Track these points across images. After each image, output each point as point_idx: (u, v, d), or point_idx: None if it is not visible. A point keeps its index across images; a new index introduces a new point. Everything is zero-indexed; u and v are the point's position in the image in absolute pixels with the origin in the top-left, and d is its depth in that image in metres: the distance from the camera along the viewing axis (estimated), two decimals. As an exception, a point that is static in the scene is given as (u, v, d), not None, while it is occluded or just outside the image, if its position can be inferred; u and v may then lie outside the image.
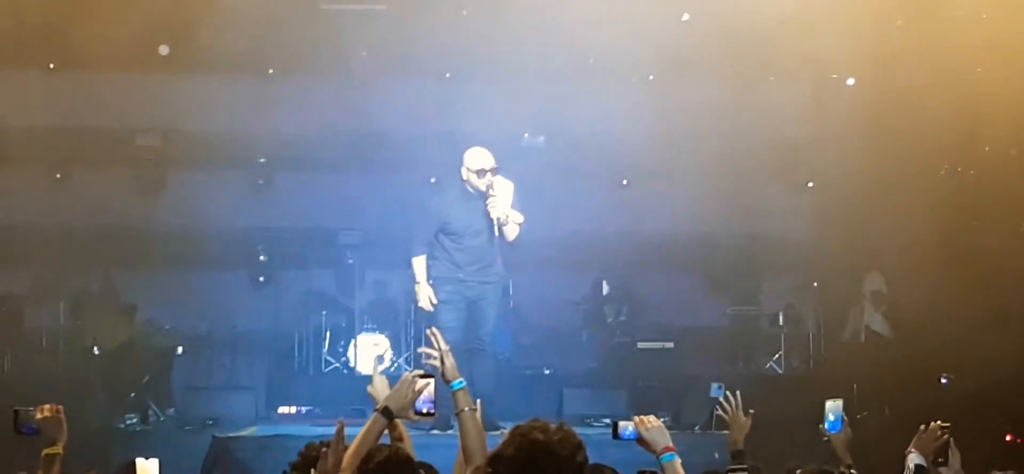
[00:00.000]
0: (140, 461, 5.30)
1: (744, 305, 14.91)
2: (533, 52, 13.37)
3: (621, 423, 5.10)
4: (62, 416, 5.44)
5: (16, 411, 5.46)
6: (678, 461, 4.91)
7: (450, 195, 11.23)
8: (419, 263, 10.91)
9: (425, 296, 10.96)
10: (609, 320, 14.74)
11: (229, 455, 10.52)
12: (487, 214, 10.85)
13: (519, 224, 11.07)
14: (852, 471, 5.69)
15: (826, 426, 6.15)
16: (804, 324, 14.66)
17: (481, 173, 10.93)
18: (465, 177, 11.06)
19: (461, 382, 5.43)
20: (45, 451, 5.40)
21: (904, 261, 13.45)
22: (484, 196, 10.89)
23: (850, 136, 13.78)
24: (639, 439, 5.00)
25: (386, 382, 5.55)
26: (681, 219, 14.33)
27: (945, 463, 5.90)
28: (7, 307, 13.93)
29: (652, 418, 5.02)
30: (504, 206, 10.88)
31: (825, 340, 14.50)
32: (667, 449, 4.93)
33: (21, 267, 14.29)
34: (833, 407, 6.15)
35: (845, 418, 6.15)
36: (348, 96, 14.46)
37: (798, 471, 5.67)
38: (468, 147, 11.20)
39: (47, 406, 5.44)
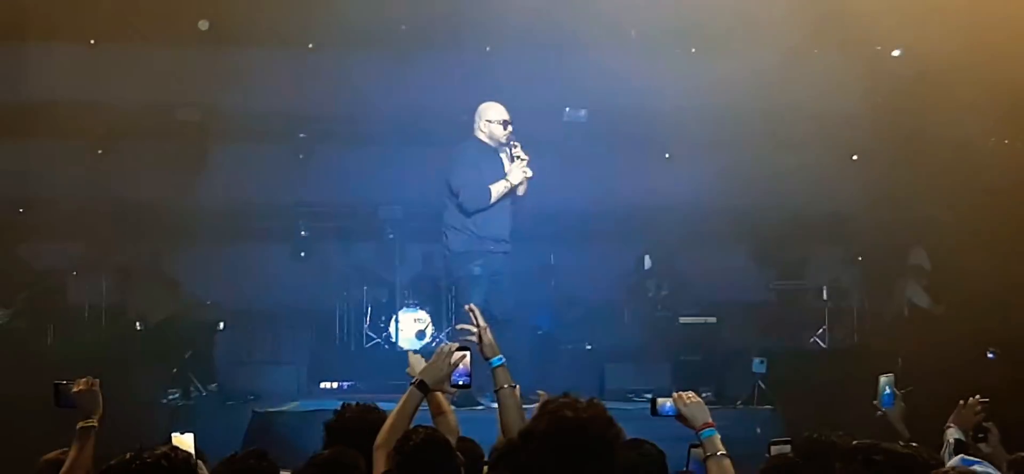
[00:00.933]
0: (176, 435, 5.29)
1: (788, 279, 14.79)
2: (574, 24, 13.27)
3: (660, 400, 5.08)
4: (98, 389, 5.46)
5: (56, 385, 5.49)
6: (718, 436, 4.88)
7: (468, 157, 10.94)
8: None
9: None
10: (650, 295, 14.65)
11: (270, 429, 10.53)
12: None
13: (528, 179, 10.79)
14: (913, 445, 5.60)
15: (880, 401, 6.08)
16: (848, 298, 14.52)
17: (506, 124, 10.74)
18: (485, 132, 10.83)
19: (500, 359, 5.39)
20: (80, 424, 5.41)
21: (950, 235, 13.33)
22: (500, 152, 10.65)
23: (896, 108, 13.64)
24: (678, 415, 4.96)
25: (422, 361, 5.53)
26: (724, 193, 14.20)
27: (984, 438, 5.81)
28: (50, 282, 13.97)
29: (691, 394, 4.99)
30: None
31: (870, 315, 14.35)
32: (706, 424, 4.90)
33: (64, 242, 14.33)
34: (886, 382, 6.09)
35: (897, 392, 6.09)
36: (388, 70, 14.44)
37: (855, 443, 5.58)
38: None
39: (83, 380, 5.46)
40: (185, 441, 5.26)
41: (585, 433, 4.10)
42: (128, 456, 4.52)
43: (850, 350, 13.70)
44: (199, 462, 5.13)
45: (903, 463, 4.13)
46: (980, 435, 5.81)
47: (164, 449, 4.63)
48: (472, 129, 11.17)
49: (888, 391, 6.10)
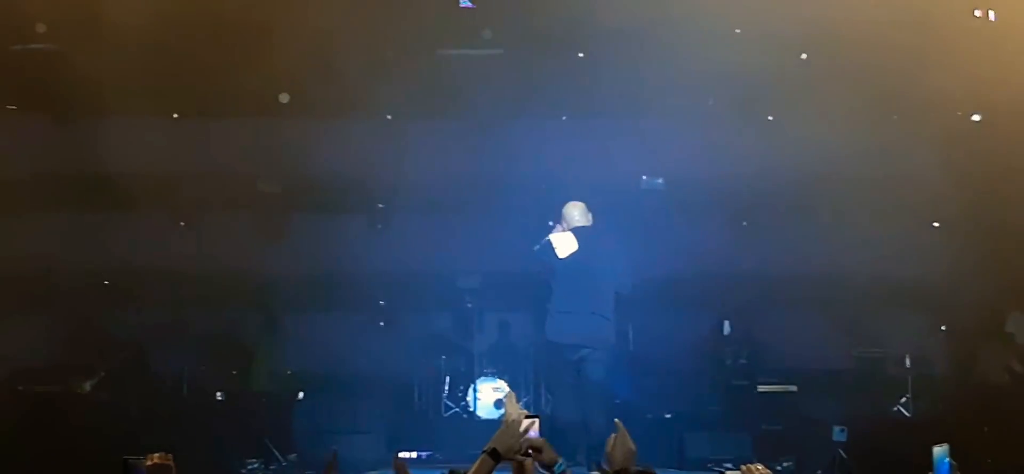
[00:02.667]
0: None
1: (869, 347, 14.61)
2: (650, 92, 13.30)
3: (728, 471, 5.05)
4: (171, 462, 5.49)
5: (125, 460, 5.51)
6: None
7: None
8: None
9: None
10: (728, 362, 14.53)
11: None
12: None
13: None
14: None
15: (935, 472, 5.98)
16: (932, 366, 14.31)
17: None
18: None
19: (562, 464, 5.42)
20: (156, 498, 5.45)
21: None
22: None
23: (976, 174, 13.50)
24: None
25: (517, 405, 5.54)
26: (802, 260, 14.11)
27: None
28: (132, 352, 14.13)
29: (760, 466, 4.95)
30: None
31: (954, 383, 14.13)
32: None
33: (146, 312, 14.51)
34: (940, 452, 5.99)
35: (954, 463, 5.98)
36: (465, 139, 14.53)
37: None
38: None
39: (157, 455, 5.49)
40: None
41: None
42: None
43: (935, 420, 13.47)
44: None
45: None
46: None
47: None
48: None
49: (944, 463, 6.00)
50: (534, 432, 5.39)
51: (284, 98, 13.88)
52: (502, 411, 13.13)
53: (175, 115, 14.27)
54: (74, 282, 14.32)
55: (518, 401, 5.53)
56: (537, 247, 11.54)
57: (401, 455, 13.69)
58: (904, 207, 14.23)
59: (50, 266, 14.08)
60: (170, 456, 5.55)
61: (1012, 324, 13.96)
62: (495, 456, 5.25)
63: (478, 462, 5.24)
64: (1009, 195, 13.07)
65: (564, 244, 11.34)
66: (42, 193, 13.86)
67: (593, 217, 11.77)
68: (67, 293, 14.21)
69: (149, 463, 5.52)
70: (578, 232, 11.57)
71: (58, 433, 11.46)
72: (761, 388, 13.65)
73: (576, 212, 11.65)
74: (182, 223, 14.89)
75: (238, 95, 13.21)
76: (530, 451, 5.41)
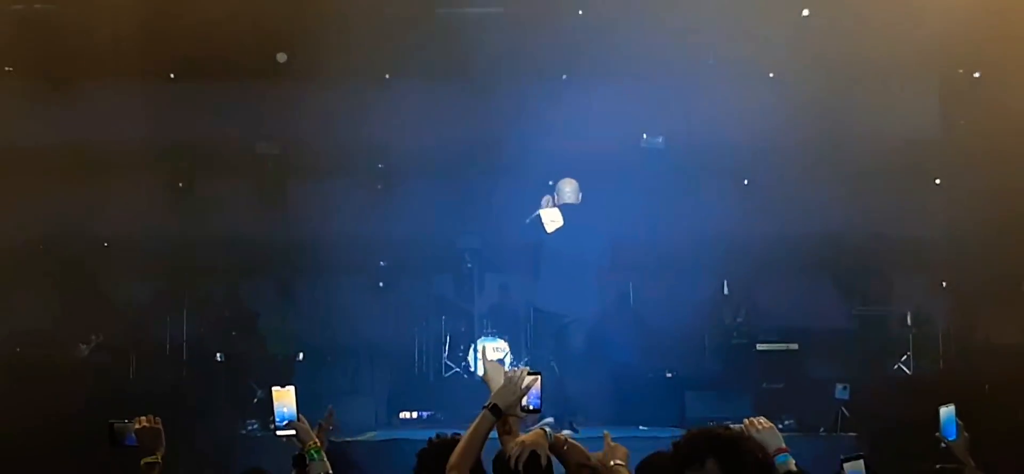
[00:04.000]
0: (276, 389, 5.31)
1: (870, 306, 14.57)
2: (650, 52, 13.23)
3: (733, 426, 5.01)
4: (160, 426, 5.47)
5: (111, 424, 5.49)
6: (792, 461, 4.83)
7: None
8: None
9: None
10: (727, 322, 14.50)
11: (346, 459, 10.52)
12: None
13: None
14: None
15: (943, 433, 5.96)
16: (933, 325, 14.28)
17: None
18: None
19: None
20: (144, 460, 5.43)
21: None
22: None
23: (978, 131, 13.44)
24: None
25: (501, 369, 5.51)
26: (804, 219, 14.06)
27: None
28: (132, 316, 14.11)
29: (763, 420, 4.95)
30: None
31: (955, 341, 14.11)
32: (780, 451, 4.84)
33: (146, 276, 14.48)
34: (946, 413, 5.97)
35: (960, 423, 5.97)
36: (464, 99, 14.47)
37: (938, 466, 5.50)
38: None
39: (144, 417, 5.47)
40: (287, 393, 5.29)
41: None
42: None
43: (935, 377, 13.46)
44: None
45: None
46: None
47: None
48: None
49: (951, 423, 5.99)
50: (536, 390, 5.36)
51: (281, 57, 13.83)
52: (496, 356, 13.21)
53: (172, 76, 14.19)
54: (73, 246, 14.29)
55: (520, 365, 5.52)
56: (528, 221, 11.61)
57: (402, 415, 13.78)
58: (905, 165, 14.17)
59: (48, 230, 14.02)
60: (159, 419, 5.52)
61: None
62: (496, 412, 5.23)
63: (479, 418, 5.22)
64: (1010, 152, 13.01)
65: (551, 220, 11.54)
66: (40, 156, 13.80)
67: (583, 195, 11.89)
68: (65, 256, 14.16)
69: (137, 426, 5.50)
70: (566, 209, 11.70)
71: (56, 397, 11.43)
72: (761, 347, 13.60)
73: (568, 189, 11.81)
74: (180, 185, 14.81)
75: (235, 55, 13.14)
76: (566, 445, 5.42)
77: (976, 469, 5.70)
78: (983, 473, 5.61)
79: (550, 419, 11.26)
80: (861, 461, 5.28)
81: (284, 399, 5.27)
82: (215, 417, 11.76)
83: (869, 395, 12.14)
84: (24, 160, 13.64)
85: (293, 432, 5.18)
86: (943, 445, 5.97)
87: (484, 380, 5.55)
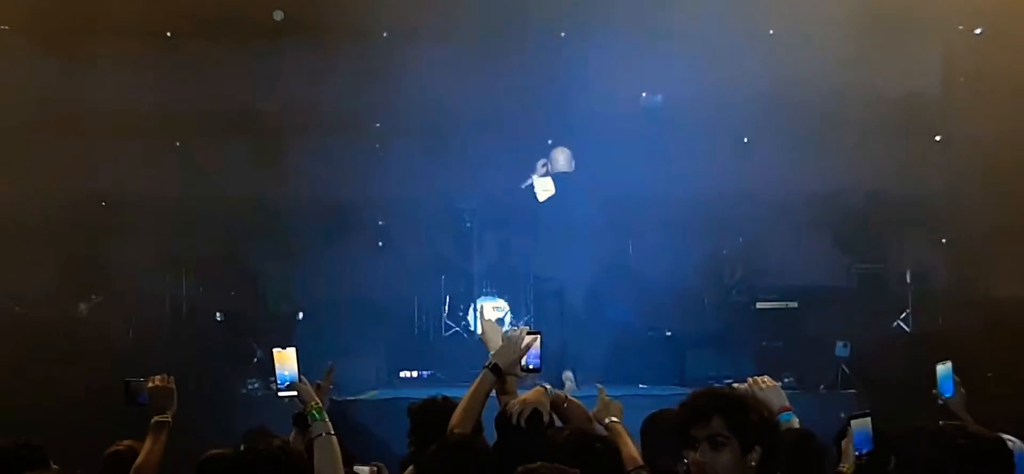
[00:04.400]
0: (277, 350, 5.32)
1: (870, 263, 14.57)
2: (649, 10, 13.20)
3: (737, 386, 5.02)
4: (172, 386, 5.50)
5: (127, 382, 5.54)
6: (795, 420, 4.86)
7: None
8: None
9: None
10: (727, 281, 14.49)
11: (347, 419, 10.54)
12: None
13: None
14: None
15: (939, 390, 5.96)
16: (933, 282, 14.28)
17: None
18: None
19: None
20: (155, 418, 5.45)
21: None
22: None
23: (977, 88, 13.41)
24: None
25: (499, 329, 5.54)
26: (804, 176, 14.04)
27: None
28: (131, 276, 14.10)
29: (767, 378, 4.97)
30: None
31: (955, 297, 14.11)
32: (783, 409, 4.87)
33: (144, 236, 14.47)
34: (943, 370, 5.97)
35: (957, 380, 5.97)
36: (463, 58, 14.43)
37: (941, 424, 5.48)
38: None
39: (158, 377, 5.50)
40: (288, 355, 5.30)
41: None
42: (241, 448, 4.59)
43: (935, 334, 13.47)
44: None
45: (988, 447, 4.05)
46: None
47: (279, 442, 4.71)
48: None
49: (948, 379, 5.98)
50: (535, 349, 5.38)
51: (278, 15, 13.79)
52: (503, 330, 13.53)
53: (169, 34, 14.14)
54: (73, 207, 14.28)
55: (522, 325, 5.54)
56: (524, 186, 11.92)
57: (402, 374, 13.80)
58: (906, 122, 14.14)
59: (48, 190, 13.99)
60: (172, 379, 5.55)
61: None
62: (496, 372, 5.26)
63: (479, 378, 5.25)
64: (1010, 107, 12.98)
65: (544, 189, 11.87)
66: (40, 118, 13.77)
67: (583, 153, 12.27)
68: (65, 217, 14.15)
69: (150, 385, 5.53)
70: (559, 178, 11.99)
71: (57, 356, 11.46)
72: (761, 305, 13.61)
73: (561, 158, 12.13)
74: (178, 144, 14.78)
75: (232, 13, 13.10)
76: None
77: (974, 424, 5.69)
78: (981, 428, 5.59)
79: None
80: (868, 419, 5.28)
81: (285, 360, 5.27)
82: (215, 376, 11.79)
83: (869, 352, 12.16)
84: (21, 119, 13.59)
85: (295, 393, 5.18)
86: (940, 401, 5.97)
87: (482, 340, 5.57)
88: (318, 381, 5.79)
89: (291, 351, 5.32)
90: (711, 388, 4.09)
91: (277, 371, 5.30)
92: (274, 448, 4.68)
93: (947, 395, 5.95)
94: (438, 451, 4.96)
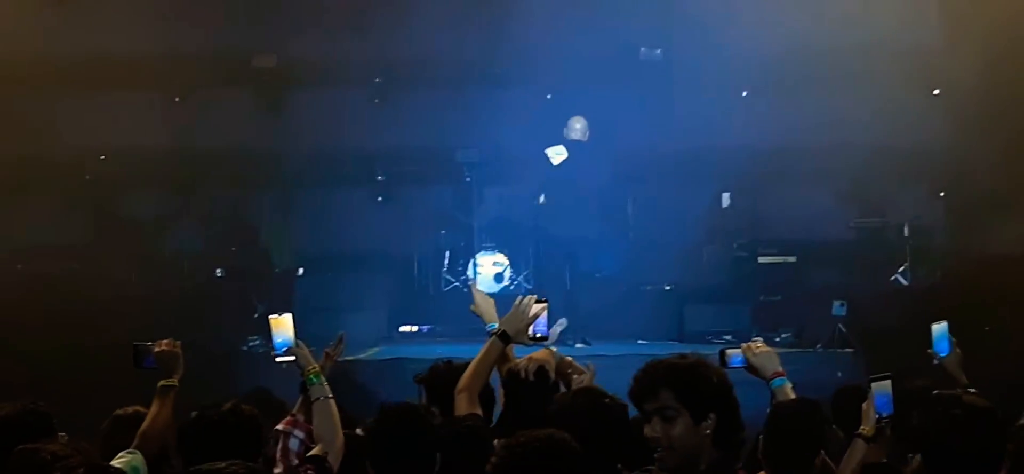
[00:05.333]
0: (273, 317, 5.36)
1: (868, 217, 14.57)
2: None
3: (729, 351, 5.04)
4: (179, 350, 5.53)
5: (136, 346, 5.56)
6: (789, 386, 4.87)
7: None
8: None
9: None
10: (726, 234, 14.47)
11: (348, 379, 10.55)
12: None
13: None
14: (970, 390, 5.49)
15: (934, 349, 5.96)
16: (931, 235, 14.29)
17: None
18: None
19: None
20: (162, 382, 5.49)
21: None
22: None
23: (978, 41, 13.38)
24: (748, 366, 4.94)
25: (490, 301, 5.58)
26: (802, 130, 14.03)
27: None
28: (130, 232, 14.12)
29: (760, 343, 4.98)
30: None
31: (954, 251, 14.12)
32: (777, 374, 4.89)
33: (144, 191, 14.49)
34: (939, 330, 5.96)
35: (953, 339, 5.96)
36: (462, 10, 14.41)
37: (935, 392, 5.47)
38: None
39: (165, 341, 5.53)
40: (284, 320, 5.34)
41: None
42: (196, 414, 4.66)
43: (933, 288, 13.49)
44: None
45: (981, 417, 4.06)
46: None
47: (229, 406, 4.76)
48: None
49: (943, 339, 5.97)
50: (543, 318, 5.40)
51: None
52: (503, 284, 13.60)
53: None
54: (71, 161, 14.29)
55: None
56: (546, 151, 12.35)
57: (402, 329, 13.85)
58: (904, 75, 14.13)
59: (47, 144, 13.98)
60: (178, 343, 5.58)
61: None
62: (505, 339, 5.28)
63: (487, 345, 5.28)
64: (1010, 62, 12.96)
65: (557, 153, 12.21)
66: (39, 71, 13.74)
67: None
68: (64, 172, 14.16)
69: (157, 350, 5.57)
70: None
71: (57, 310, 11.47)
72: (760, 259, 13.64)
73: (578, 126, 12.39)
74: (177, 99, 14.76)
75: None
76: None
77: (967, 386, 5.70)
78: (975, 390, 5.60)
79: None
80: (888, 382, 5.28)
81: (281, 326, 5.31)
82: (217, 333, 11.81)
83: (867, 306, 12.18)
84: (25, 72, 13.57)
85: (292, 358, 5.22)
86: (936, 362, 5.97)
87: (474, 311, 5.60)
88: (327, 349, 5.82)
89: (287, 317, 5.35)
90: (658, 360, 4.06)
91: (273, 337, 5.34)
92: (223, 412, 4.76)
93: (942, 355, 5.95)
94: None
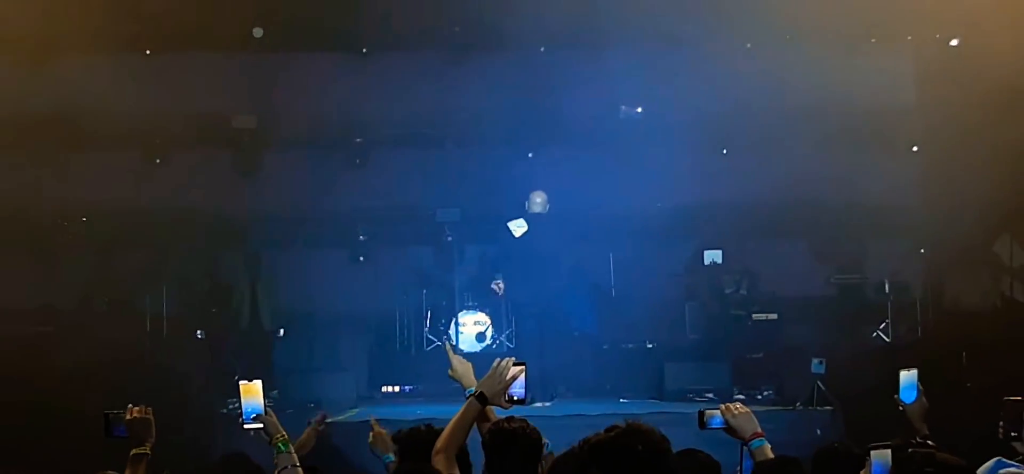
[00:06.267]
0: (243, 382, 5.31)
1: (849, 273, 14.60)
2: (627, 23, 13.23)
3: (708, 412, 5.06)
4: (150, 416, 5.50)
5: (106, 415, 5.51)
6: (767, 446, 4.88)
7: None
8: None
9: None
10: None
11: (326, 441, 10.45)
12: None
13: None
14: (929, 443, 5.49)
15: (900, 396, 5.96)
16: (911, 291, 14.31)
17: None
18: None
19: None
20: (133, 451, 5.45)
21: (1016, 223, 13.17)
22: None
23: (955, 98, 13.46)
24: (727, 427, 4.96)
25: (468, 365, 5.57)
26: (782, 188, 14.06)
27: (1019, 437, 5.69)
28: (109, 292, 14.07)
29: (739, 405, 5.01)
30: None
31: (933, 308, 14.15)
32: (756, 435, 4.92)
33: (123, 252, 14.44)
34: (907, 377, 5.97)
35: (920, 388, 5.97)
36: (441, 72, 14.46)
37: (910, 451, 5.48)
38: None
39: (136, 408, 5.49)
40: (254, 387, 5.29)
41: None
42: None
43: (914, 344, 13.51)
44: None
45: None
46: (1013, 433, 5.67)
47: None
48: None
49: (911, 387, 5.98)
50: (521, 380, 5.40)
51: (258, 32, 13.79)
52: (485, 343, 13.57)
53: (148, 51, 14.13)
54: (51, 222, 14.26)
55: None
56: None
57: (384, 389, 13.80)
58: (883, 132, 14.20)
59: (26, 204, 13.94)
60: (150, 410, 5.54)
61: (999, 246, 13.96)
62: (482, 400, 5.28)
63: (465, 406, 5.27)
64: (987, 118, 13.02)
65: (518, 226, 12.32)
66: (16, 131, 13.70)
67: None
68: (42, 232, 14.11)
69: (128, 417, 5.53)
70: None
71: (34, 376, 11.38)
72: (756, 317, 13.63)
73: (538, 200, 12.44)
74: (157, 160, 14.74)
75: (211, 30, 13.09)
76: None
77: (928, 437, 5.71)
78: (934, 442, 5.60)
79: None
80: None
81: (251, 393, 5.26)
82: (196, 396, 11.75)
83: (847, 363, 12.18)
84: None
85: (260, 426, 5.19)
86: (900, 408, 5.97)
87: (452, 376, 5.60)
88: (312, 420, 5.79)
89: (257, 383, 5.30)
90: (587, 439, 4.12)
91: (243, 404, 5.29)
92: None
93: (908, 401, 5.94)
94: None
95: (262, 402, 5.22)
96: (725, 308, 14.15)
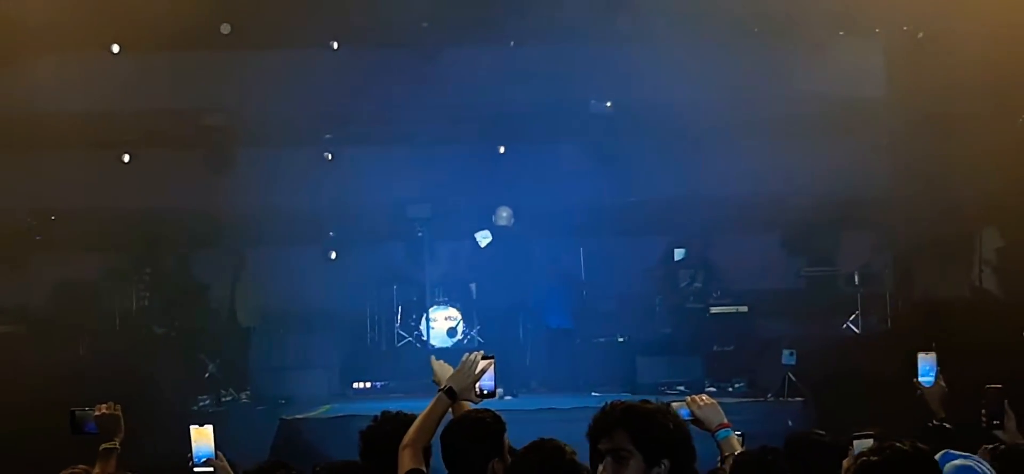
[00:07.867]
0: (194, 428, 5.26)
1: (819, 266, 14.66)
2: (596, 18, 13.25)
3: (674, 405, 5.04)
4: (119, 413, 5.47)
5: (73, 413, 5.49)
6: (734, 437, 4.89)
7: None
8: None
9: None
10: (683, 285, 14.50)
11: (298, 437, 10.45)
12: None
13: None
14: (945, 425, 5.51)
15: (919, 379, 5.96)
16: (881, 283, 14.38)
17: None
18: None
19: None
20: (103, 446, 5.42)
21: (983, 214, 13.22)
22: None
23: (922, 91, 13.52)
24: (693, 419, 4.95)
25: (447, 367, 5.56)
26: (751, 181, 14.09)
27: (1001, 425, 5.71)
28: (80, 292, 13.99)
29: (704, 397, 5.02)
30: None
31: (902, 299, 14.21)
32: (722, 426, 4.92)
33: (93, 251, 14.37)
34: (926, 360, 5.96)
35: (940, 372, 5.97)
36: (412, 67, 14.43)
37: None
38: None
39: (105, 405, 5.46)
40: (205, 432, 5.23)
41: None
42: None
43: (884, 336, 13.57)
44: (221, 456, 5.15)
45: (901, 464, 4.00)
46: (995, 421, 5.69)
47: None
48: None
49: (930, 369, 5.97)
50: (490, 373, 5.39)
51: (225, 28, 13.72)
52: (456, 339, 13.60)
53: (115, 48, 14.03)
54: (20, 221, 14.18)
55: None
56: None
57: (356, 386, 13.77)
58: (852, 125, 14.24)
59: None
60: (118, 406, 5.51)
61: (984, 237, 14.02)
62: (451, 395, 5.26)
63: (434, 401, 5.26)
64: (955, 111, 13.09)
65: (483, 237, 12.93)
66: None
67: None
68: (8, 232, 14.03)
69: (97, 413, 5.49)
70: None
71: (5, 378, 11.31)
72: (713, 310, 13.67)
73: (504, 213, 12.76)
74: (126, 158, 14.64)
75: (180, 27, 13.02)
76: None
77: (944, 419, 5.71)
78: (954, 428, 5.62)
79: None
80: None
81: (202, 437, 5.21)
82: (166, 393, 11.69)
83: (818, 355, 12.23)
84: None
85: (211, 469, 5.15)
86: (919, 392, 5.96)
87: (435, 382, 5.57)
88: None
89: (208, 428, 5.25)
90: (616, 401, 4.07)
91: (194, 447, 5.23)
92: None
93: (927, 384, 5.92)
94: None
95: (213, 447, 5.18)
96: (682, 301, 14.19)
